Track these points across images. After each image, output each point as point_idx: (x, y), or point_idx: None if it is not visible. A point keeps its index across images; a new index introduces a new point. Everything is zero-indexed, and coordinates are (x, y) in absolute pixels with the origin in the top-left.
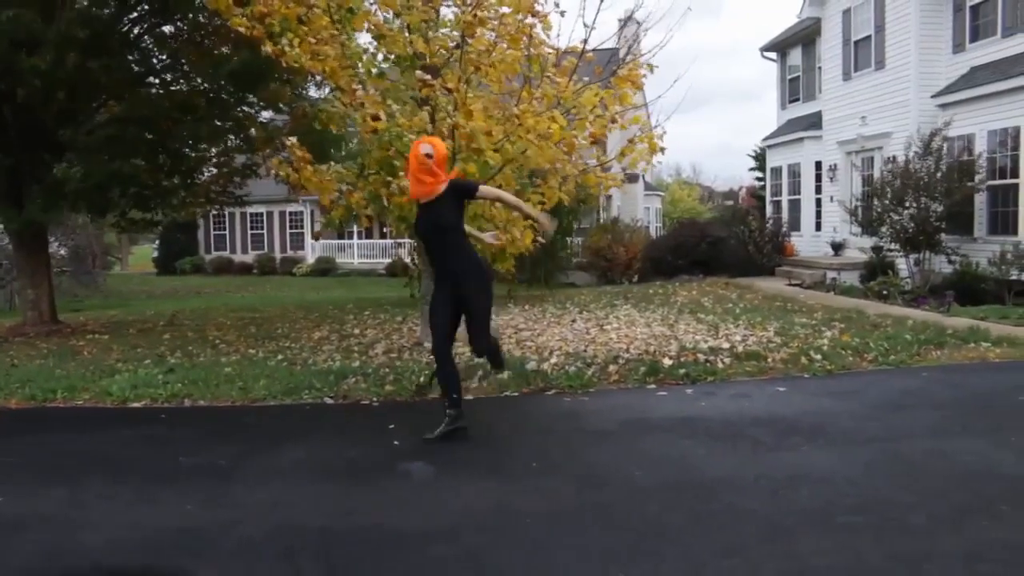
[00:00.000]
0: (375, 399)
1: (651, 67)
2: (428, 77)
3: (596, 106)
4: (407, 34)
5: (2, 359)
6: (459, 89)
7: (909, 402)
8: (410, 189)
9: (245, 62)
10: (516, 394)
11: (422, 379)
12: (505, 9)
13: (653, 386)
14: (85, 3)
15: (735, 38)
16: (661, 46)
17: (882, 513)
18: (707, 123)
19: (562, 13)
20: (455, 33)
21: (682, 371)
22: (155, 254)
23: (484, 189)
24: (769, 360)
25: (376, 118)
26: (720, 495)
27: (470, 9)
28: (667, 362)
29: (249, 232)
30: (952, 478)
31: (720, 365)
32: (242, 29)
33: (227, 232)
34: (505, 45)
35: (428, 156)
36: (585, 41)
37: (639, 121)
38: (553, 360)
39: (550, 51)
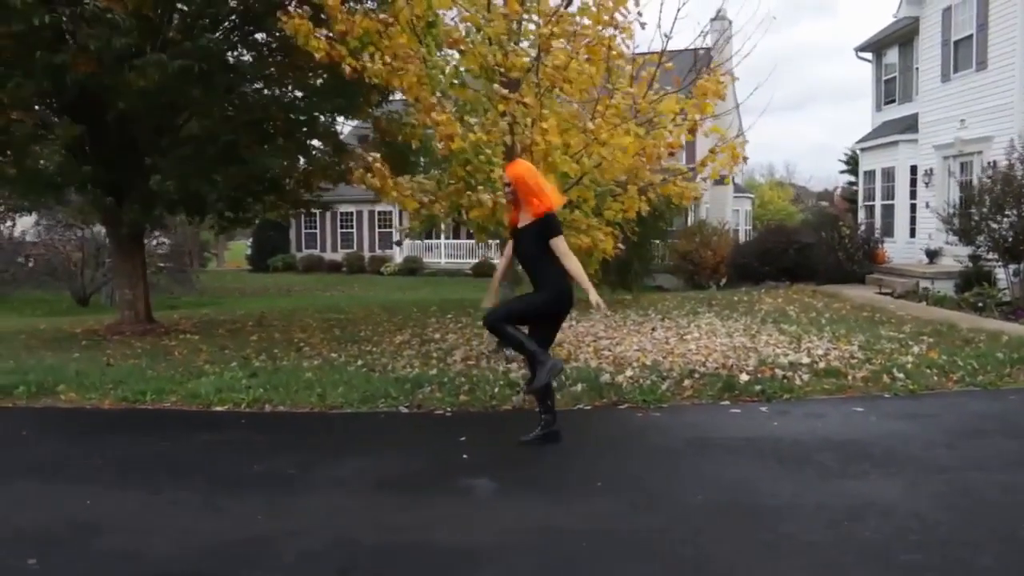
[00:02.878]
0: (449, 409)
1: (733, 77)
2: (506, 92)
3: (676, 115)
4: (488, 46)
5: (99, 358)
6: (535, 105)
7: (990, 428)
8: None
9: (331, 81)
10: (588, 407)
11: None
12: (585, 21)
13: (727, 402)
14: (179, 29)
15: (845, 38)
16: (745, 56)
17: (946, 553)
18: (809, 123)
19: (643, 25)
20: (534, 44)
21: (758, 388)
22: (248, 251)
23: (556, 243)
24: (849, 378)
25: (450, 138)
26: (776, 524)
27: (549, 22)
28: (744, 378)
29: (339, 231)
30: None
31: (798, 382)
32: (318, 56)
33: (317, 231)
34: (585, 57)
35: (507, 186)
36: (663, 51)
37: (719, 131)
38: (629, 373)
39: (627, 65)
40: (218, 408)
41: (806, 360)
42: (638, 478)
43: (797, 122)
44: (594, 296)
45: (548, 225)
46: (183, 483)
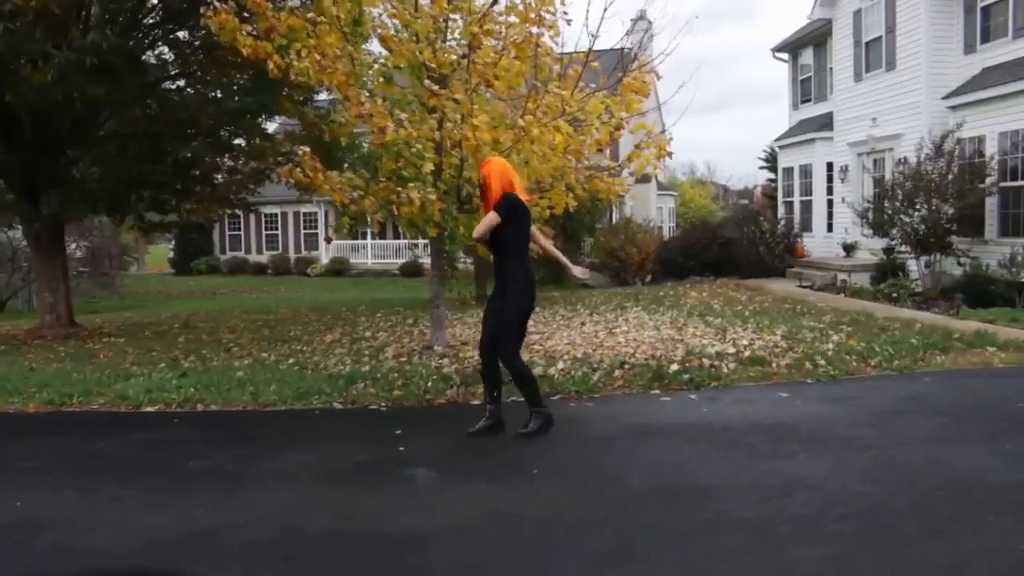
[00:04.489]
0: (383, 404)
1: (657, 75)
2: (436, 87)
3: (602, 113)
4: (416, 43)
5: (21, 362)
6: (465, 102)
7: (908, 408)
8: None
9: (252, 98)
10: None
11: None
12: (512, 19)
13: (657, 391)
14: (95, 23)
15: (766, 39)
16: (667, 54)
17: (872, 521)
18: (730, 123)
19: (568, 22)
20: (463, 43)
21: (686, 376)
22: (171, 254)
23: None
24: (773, 365)
25: (383, 130)
26: (714, 502)
27: (477, 19)
28: (673, 367)
29: (264, 232)
30: (943, 486)
31: (725, 370)
32: (246, 51)
33: (242, 232)
34: (513, 54)
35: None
36: (590, 50)
37: (646, 127)
38: (560, 365)
39: (555, 63)
40: (149, 409)
41: (732, 350)
42: (577, 464)
43: (719, 122)
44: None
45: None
46: (121, 481)
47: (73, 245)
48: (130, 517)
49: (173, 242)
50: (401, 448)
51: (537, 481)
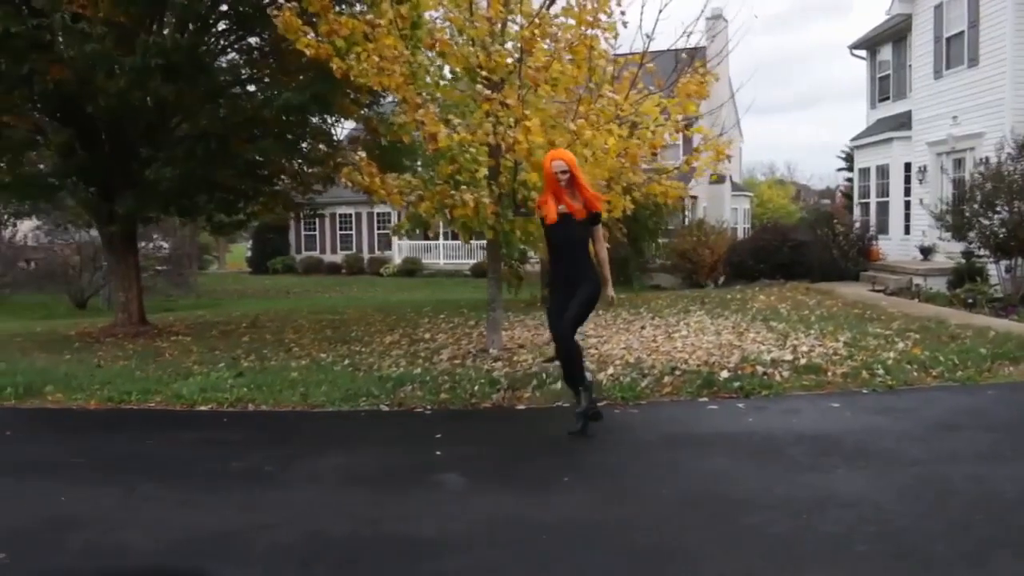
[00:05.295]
0: (429, 407)
1: (715, 76)
2: (489, 92)
3: (658, 116)
4: (471, 47)
5: (90, 360)
6: (517, 106)
7: (963, 423)
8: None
9: (307, 92)
10: (567, 405)
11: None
12: (570, 20)
13: (705, 399)
14: (167, 30)
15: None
16: (723, 56)
17: (903, 543)
18: (815, 122)
19: (625, 24)
20: (517, 46)
21: (737, 384)
22: (248, 254)
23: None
24: (829, 374)
25: (434, 137)
26: (742, 516)
27: (532, 23)
28: (724, 374)
29: (338, 232)
30: (985, 507)
31: (778, 378)
32: (308, 51)
33: (317, 233)
34: (568, 57)
35: (564, 172)
36: (645, 51)
37: (702, 131)
38: (610, 371)
39: (608, 65)
40: (202, 408)
41: (789, 357)
42: (609, 473)
43: (802, 121)
44: (610, 290)
45: (599, 213)
46: (161, 480)
47: (151, 245)
48: (164, 515)
49: (251, 242)
50: (438, 452)
51: (566, 489)
